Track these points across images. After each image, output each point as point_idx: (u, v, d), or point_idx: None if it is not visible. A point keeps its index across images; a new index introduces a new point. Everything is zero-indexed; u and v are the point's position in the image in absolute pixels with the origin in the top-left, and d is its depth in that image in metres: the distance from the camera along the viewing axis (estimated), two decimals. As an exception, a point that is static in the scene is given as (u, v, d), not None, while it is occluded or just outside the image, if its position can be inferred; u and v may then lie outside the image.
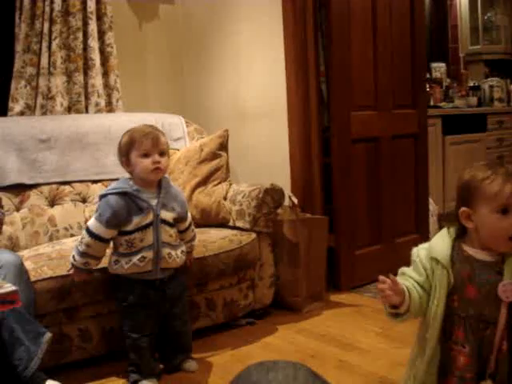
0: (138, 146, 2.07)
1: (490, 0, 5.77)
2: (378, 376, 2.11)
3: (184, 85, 3.76)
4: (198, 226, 2.38)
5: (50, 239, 2.64)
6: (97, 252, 2.07)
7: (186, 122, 3.28)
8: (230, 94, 3.48)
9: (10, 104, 3.01)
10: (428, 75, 4.97)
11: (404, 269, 1.44)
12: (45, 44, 3.00)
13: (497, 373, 1.32)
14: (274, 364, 1.18)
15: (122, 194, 2.05)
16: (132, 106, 3.39)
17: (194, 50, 3.69)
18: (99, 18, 3.19)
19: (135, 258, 2.04)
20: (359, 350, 2.37)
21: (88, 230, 2.05)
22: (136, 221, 2.04)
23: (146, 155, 2.06)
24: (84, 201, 2.83)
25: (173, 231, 2.13)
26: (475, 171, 1.35)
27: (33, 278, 2.06)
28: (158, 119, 3.07)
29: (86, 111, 3.18)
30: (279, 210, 2.81)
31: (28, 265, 2.10)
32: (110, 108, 3.27)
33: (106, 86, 3.26)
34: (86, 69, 3.16)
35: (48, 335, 1.90)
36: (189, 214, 2.27)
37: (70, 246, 2.28)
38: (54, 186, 2.76)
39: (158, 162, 2.06)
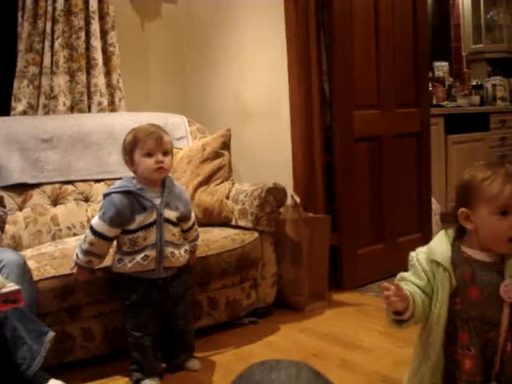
0: (142, 146, 2.07)
1: (493, -1, 5.77)
2: (381, 375, 2.11)
3: (186, 84, 3.76)
4: (200, 225, 2.38)
5: (53, 238, 2.64)
6: (100, 250, 2.08)
7: (189, 122, 3.28)
8: (232, 94, 3.48)
9: (13, 103, 3.01)
10: (430, 74, 4.97)
11: (403, 274, 1.42)
12: (47, 43, 3.00)
13: (502, 374, 1.30)
14: (276, 363, 1.18)
15: (126, 193, 2.05)
16: (134, 105, 3.39)
17: (197, 50, 3.69)
18: (101, 18, 3.19)
19: (138, 257, 2.04)
20: (362, 348, 2.37)
21: (92, 229, 2.06)
22: (139, 219, 2.04)
23: (149, 154, 2.06)
24: (87, 200, 2.83)
25: (176, 230, 2.14)
26: (475, 171, 1.33)
27: (35, 277, 2.06)
28: (160, 118, 3.06)
29: (89, 110, 3.18)
30: (281, 209, 2.81)
31: (31, 264, 2.10)
32: (112, 107, 3.27)
33: (109, 85, 3.26)
34: (89, 68, 3.16)
35: (51, 334, 1.90)
36: (192, 214, 2.27)
37: (73, 246, 2.28)
38: (57, 186, 2.77)
39: (162, 162, 2.06)
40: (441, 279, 1.34)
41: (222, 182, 2.85)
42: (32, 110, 3.04)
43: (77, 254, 2.09)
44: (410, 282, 1.38)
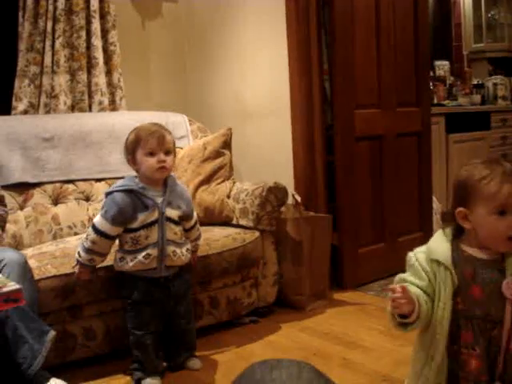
0: (144, 145, 2.07)
1: (494, -2, 5.77)
2: (382, 374, 2.11)
3: (187, 83, 3.76)
4: (201, 224, 2.38)
5: (54, 237, 2.65)
6: (102, 249, 2.08)
7: (190, 121, 3.28)
8: (233, 92, 3.48)
9: (14, 103, 3.01)
10: (431, 73, 4.96)
11: (402, 275, 1.40)
12: (48, 43, 3.00)
13: (505, 373, 1.29)
14: (277, 362, 1.18)
15: (128, 192, 2.05)
16: (135, 104, 3.39)
17: (197, 48, 3.69)
18: (102, 17, 3.19)
19: (140, 256, 2.05)
20: (363, 348, 2.37)
21: (94, 227, 2.06)
22: (141, 218, 2.04)
23: (151, 154, 2.06)
24: (87, 199, 2.83)
25: (178, 229, 2.14)
26: (472, 170, 1.32)
27: (37, 277, 2.06)
28: (161, 117, 3.06)
29: (90, 110, 3.18)
30: (283, 209, 2.81)
31: (32, 263, 2.10)
32: (113, 106, 3.27)
33: (110, 84, 3.26)
34: (90, 67, 3.16)
35: (52, 333, 1.90)
36: (194, 213, 2.27)
37: (74, 245, 2.28)
38: (58, 185, 2.77)
39: (163, 161, 2.06)
40: (442, 278, 1.33)
41: (223, 181, 2.85)
42: (33, 109, 3.04)
43: (79, 253, 2.09)
44: (410, 283, 1.36)
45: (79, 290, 2.16)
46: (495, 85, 5.58)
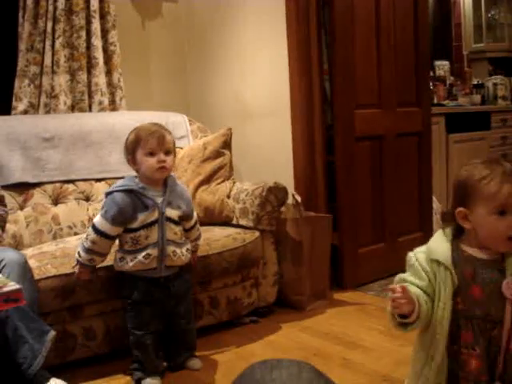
0: (144, 145, 2.07)
1: (494, -2, 5.77)
2: (382, 374, 2.11)
3: (187, 83, 3.76)
4: (201, 224, 2.38)
5: (54, 237, 2.65)
6: (102, 249, 2.08)
7: (190, 121, 3.28)
8: (233, 92, 3.48)
9: (14, 103, 3.01)
10: (431, 73, 4.96)
11: (402, 275, 1.40)
12: (48, 43, 3.00)
13: (505, 373, 1.29)
14: (277, 362, 1.18)
15: (128, 192, 2.05)
16: (135, 104, 3.39)
17: (197, 48, 3.69)
18: (102, 17, 3.19)
19: (140, 256, 2.05)
20: (363, 348, 2.37)
21: (94, 227, 2.06)
22: (141, 218, 2.04)
23: (151, 154, 2.06)
24: (87, 199, 2.83)
25: (178, 229, 2.14)
26: (472, 170, 1.32)
27: (37, 277, 2.07)
28: (161, 117, 3.06)
29: (90, 110, 3.18)
30: (283, 209, 2.81)
31: (32, 263, 2.10)
32: (113, 106, 3.27)
33: (110, 84, 3.26)
34: (90, 67, 3.16)
35: (52, 333, 1.90)
36: (194, 213, 2.27)
37: (74, 245, 2.28)
38: (58, 185, 2.77)
39: (163, 161, 2.06)
40: (442, 278, 1.33)
41: (223, 181, 2.85)
42: (33, 109, 3.04)
43: (79, 253, 2.09)
44: (410, 283, 1.36)
45: (79, 290, 2.16)
46: (495, 85, 5.58)
